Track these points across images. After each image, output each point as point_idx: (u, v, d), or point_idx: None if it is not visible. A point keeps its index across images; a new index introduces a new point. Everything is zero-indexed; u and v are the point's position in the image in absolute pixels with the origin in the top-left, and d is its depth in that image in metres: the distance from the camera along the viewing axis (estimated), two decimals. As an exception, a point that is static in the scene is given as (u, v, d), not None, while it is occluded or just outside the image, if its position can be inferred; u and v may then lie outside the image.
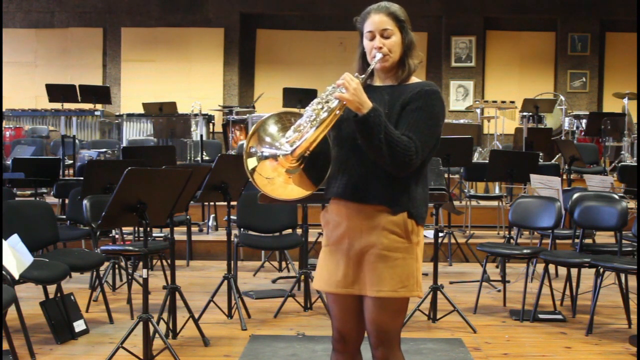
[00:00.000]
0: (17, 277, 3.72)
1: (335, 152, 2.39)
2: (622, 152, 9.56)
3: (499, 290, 5.50)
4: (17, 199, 6.27)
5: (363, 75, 2.33)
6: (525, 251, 5.09)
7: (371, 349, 2.44)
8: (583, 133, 9.97)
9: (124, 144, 10.22)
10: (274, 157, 2.24)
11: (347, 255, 2.39)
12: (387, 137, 2.20)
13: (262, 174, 2.26)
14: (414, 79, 2.44)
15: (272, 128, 2.28)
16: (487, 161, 7.48)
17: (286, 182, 2.29)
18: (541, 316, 4.85)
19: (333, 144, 2.40)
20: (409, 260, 2.36)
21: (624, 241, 5.04)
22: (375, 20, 2.38)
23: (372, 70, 2.40)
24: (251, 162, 2.26)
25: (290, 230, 5.73)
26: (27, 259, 3.83)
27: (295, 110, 2.32)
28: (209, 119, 11.16)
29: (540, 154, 8.65)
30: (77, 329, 4.32)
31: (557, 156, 9.13)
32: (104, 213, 3.53)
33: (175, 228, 5.53)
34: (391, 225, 2.33)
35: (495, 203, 7.84)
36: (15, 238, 3.83)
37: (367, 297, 2.37)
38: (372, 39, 2.39)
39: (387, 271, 2.32)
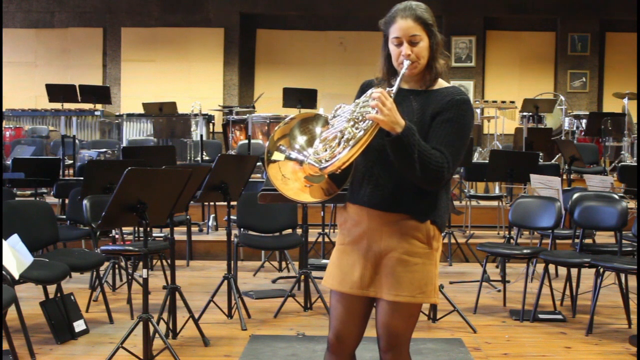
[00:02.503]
0: (17, 277, 3.72)
1: (358, 158, 2.30)
2: (622, 152, 9.56)
3: (499, 290, 5.50)
4: (17, 199, 6.27)
5: (394, 90, 2.21)
6: (525, 251, 5.09)
7: (380, 352, 2.40)
8: (583, 133, 9.97)
9: (124, 144, 10.22)
10: (300, 162, 2.20)
11: (365, 256, 2.34)
12: (421, 155, 2.14)
13: (280, 169, 2.22)
14: (442, 83, 2.38)
15: (301, 137, 2.23)
16: (487, 161, 7.48)
17: (301, 189, 2.24)
18: (541, 316, 4.85)
19: None
20: (429, 266, 2.32)
21: (624, 241, 5.04)
22: (402, 26, 2.27)
23: (395, 71, 2.34)
24: (277, 156, 2.22)
25: (290, 230, 5.72)
26: (27, 259, 3.83)
27: (316, 112, 2.27)
28: (209, 119, 11.16)
29: (540, 154, 8.65)
30: (77, 329, 4.32)
31: (557, 156, 9.13)
32: (104, 213, 3.53)
33: (175, 228, 5.54)
34: (413, 230, 2.29)
35: (495, 203, 7.84)
36: (15, 238, 3.83)
37: (382, 300, 2.33)
38: (399, 44, 2.29)
39: (406, 276, 2.28)
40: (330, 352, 2.47)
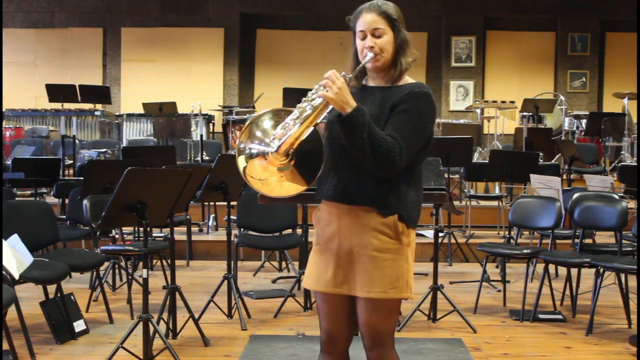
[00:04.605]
0: (17, 277, 3.72)
1: (326, 153, 2.39)
2: (622, 152, 9.56)
3: (499, 290, 5.50)
4: (17, 199, 6.27)
5: (350, 75, 2.32)
6: (525, 251, 5.09)
7: (365, 350, 2.44)
8: (583, 133, 9.97)
9: (124, 144, 10.21)
10: (263, 155, 2.23)
11: (337, 254, 2.39)
12: (371, 137, 2.19)
13: (254, 176, 2.26)
14: (408, 80, 2.42)
15: (267, 123, 2.27)
16: (487, 161, 7.48)
17: (280, 180, 2.29)
18: (541, 316, 4.85)
19: (325, 144, 2.38)
20: (399, 261, 2.35)
21: (624, 241, 5.04)
22: (367, 19, 2.36)
23: (365, 70, 2.41)
24: (241, 162, 2.25)
25: (290, 230, 5.72)
26: (27, 259, 3.83)
27: (291, 108, 2.33)
28: (209, 119, 11.16)
29: (540, 154, 8.65)
30: (77, 329, 4.32)
31: (557, 156, 9.12)
32: (104, 213, 3.53)
33: (175, 228, 5.53)
34: (381, 226, 2.32)
35: (495, 203, 7.84)
36: (15, 238, 3.83)
37: (359, 299, 2.37)
38: (364, 38, 2.37)
39: (377, 272, 2.32)
40: (324, 353, 2.51)
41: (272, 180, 2.27)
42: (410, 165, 2.33)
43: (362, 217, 2.33)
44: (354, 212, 2.34)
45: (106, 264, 5.35)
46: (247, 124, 2.28)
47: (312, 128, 2.25)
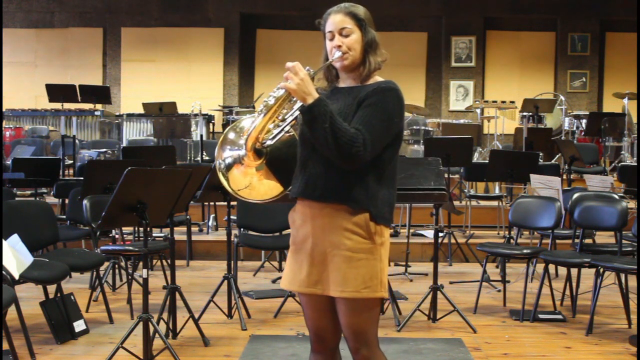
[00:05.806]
0: (17, 277, 3.72)
1: (298, 152, 2.43)
2: (622, 152, 9.56)
3: (499, 290, 5.50)
4: (17, 199, 6.27)
5: (312, 71, 2.33)
6: (525, 251, 5.09)
7: (351, 354, 2.45)
8: (583, 133, 9.97)
9: (124, 144, 10.22)
10: (239, 161, 2.30)
11: (311, 255, 2.40)
12: (333, 127, 2.21)
13: (240, 187, 2.33)
14: (377, 78, 2.44)
15: (245, 124, 2.35)
16: (487, 161, 7.49)
17: (260, 179, 2.36)
18: (541, 316, 4.84)
19: (298, 143, 2.43)
20: (372, 261, 2.36)
21: (624, 241, 5.04)
22: (335, 20, 2.40)
23: (337, 73, 2.45)
24: (223, 179, 2.33)
25: (290, 230, 5.71)
26: (27, 259, 3.83)
27: None
28: (209, 119, 11.17)
29: (540, 154, 8.65)
30: (77, 329, 4.32)
31: (557, 156, 9.13)
32: (104, 213, 3.53)
33: (175, 228, 5.54)
34: (353, 225, 2.34)
35: (495, 203, 7.84)
36: (15, 238, 3.83)
37: (337, 301, 2.39)
38: (332, 38, 2.40)
39: (351, 272, 2.33)
40: (314, 352, 2.54)
41: (254, 181, 2.35)
42: (380, 163, 2.35)
43: (334, 217, 2.35)
44: (326, 212, 2.35)
45: (106, 264, 5.35)
46: (223, 133, 2.34)
47: (274, 118, 2.29)
